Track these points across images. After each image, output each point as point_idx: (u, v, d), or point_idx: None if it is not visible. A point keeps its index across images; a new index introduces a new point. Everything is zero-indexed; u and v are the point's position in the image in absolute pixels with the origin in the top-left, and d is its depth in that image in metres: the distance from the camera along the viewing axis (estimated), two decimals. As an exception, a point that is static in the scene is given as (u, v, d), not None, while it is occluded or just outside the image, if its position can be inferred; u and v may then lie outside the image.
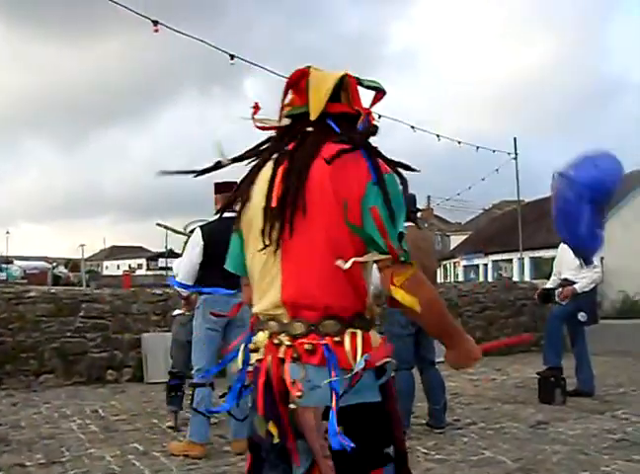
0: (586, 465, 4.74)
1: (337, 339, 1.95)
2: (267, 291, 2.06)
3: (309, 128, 2.05)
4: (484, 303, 12.31)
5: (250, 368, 2.15)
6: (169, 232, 6.38)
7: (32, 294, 8.97)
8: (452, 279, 40.44)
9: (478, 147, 21.48)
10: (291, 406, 1.93)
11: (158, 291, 10.05)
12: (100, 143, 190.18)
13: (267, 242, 2.03)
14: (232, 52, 10.35)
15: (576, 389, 7.46)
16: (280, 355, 1.97)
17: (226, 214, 5.80)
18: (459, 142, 20.16)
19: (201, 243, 5.22)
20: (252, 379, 2.15)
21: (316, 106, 2.04)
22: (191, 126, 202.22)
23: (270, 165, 2.08)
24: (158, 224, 6.26)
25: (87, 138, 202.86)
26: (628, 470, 4.62)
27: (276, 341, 1.99)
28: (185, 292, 5.51)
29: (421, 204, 6.31)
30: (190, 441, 5.11)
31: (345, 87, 2.10)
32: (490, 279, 31.30)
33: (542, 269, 26.46)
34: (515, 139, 25.63)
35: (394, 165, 2.04)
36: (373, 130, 2.07)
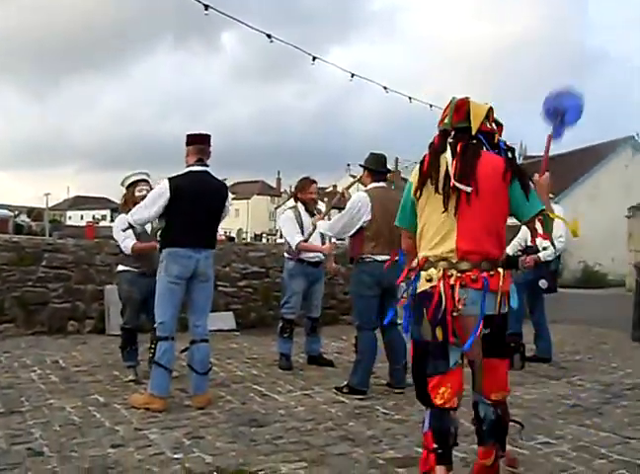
0: (540, 429, 4.84)
1: (491, 273, 3.28)
2: (442, 242, 3.33)
3: (472, 140, 3.40)
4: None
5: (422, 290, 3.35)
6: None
7: (-7, 242, 8.83)
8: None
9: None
10: (454, 314, 3.23)
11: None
12: (70, 91, 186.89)
13: (447, 208, 3.32)
14: (206, 2, 10.12)
15: (534, 355, 7.59)
16: (451, 282, 3.25)
17: (196, 168, 5.75)
18: (431, 106, 20.09)
19: (168, 194, 5.12)
20: (421, 301, 3.35)
21: (475, 126, 3.42)
22: (165, 77, 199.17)
23: (446, 156, 3.38)
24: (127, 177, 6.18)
25: (57, 86, 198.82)
26: (581, 434, 4.73)
27: (448, 273, 3.27)
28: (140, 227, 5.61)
29: (389, 166, 6.29)
30: (151, 394, 5.11)
31: (488, 115, 3.47)
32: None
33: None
34: (453, 98, 25.66)
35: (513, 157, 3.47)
36: (512, 150, 3.49)
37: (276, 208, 77.83)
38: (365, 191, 5.90)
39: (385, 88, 16.21)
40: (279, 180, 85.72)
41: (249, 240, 54.48)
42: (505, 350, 3.54)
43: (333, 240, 6.98)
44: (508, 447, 3.92)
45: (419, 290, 3.39)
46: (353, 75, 15.07)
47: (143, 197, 5.86)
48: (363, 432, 4.71)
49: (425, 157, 3.50)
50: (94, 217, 77.36)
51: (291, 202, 7.23)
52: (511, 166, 3.38)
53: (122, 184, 6.23)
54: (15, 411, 5.00)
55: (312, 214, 6.86)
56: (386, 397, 5.74)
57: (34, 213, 63.66)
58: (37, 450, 4.12)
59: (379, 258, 5.70)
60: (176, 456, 4.08)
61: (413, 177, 3.53)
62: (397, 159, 44.80)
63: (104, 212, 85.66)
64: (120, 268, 6.22)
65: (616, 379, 6.73)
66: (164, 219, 5.24)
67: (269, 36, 12.37)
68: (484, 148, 3.42)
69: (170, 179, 5.21)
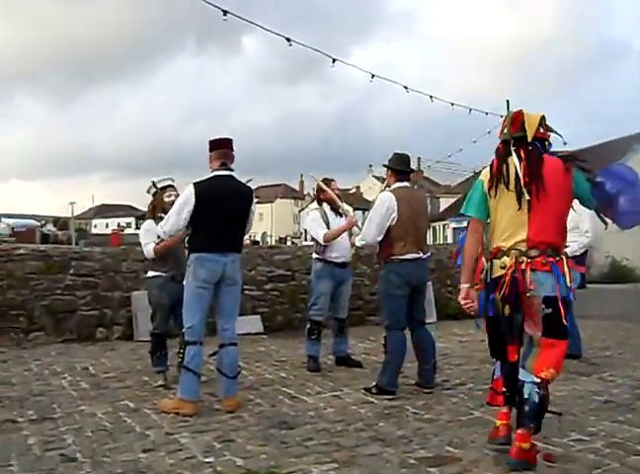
0: (573, 426, 4.79)
1: (557, 258, 3.87)
2: (514, 234, 3.90)
3: (530, 147, 3.97)
4: (474, 266, 12.32)
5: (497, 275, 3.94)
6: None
7: (21, 252, 8.95)
8: (441, 241, 40.54)
9: (471, 109, 21.33)
10: (527, 295, 3.82)
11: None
12: (93, 100, 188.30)
13: (520, 205, 3.87)
14: (225, 8, 10.15)
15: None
16: (523, 267, 3.83)
17: (220, 172, 5.76)
18: (452, 104, 19.99)
19: (193, 200, 5.14)
20: (496, 284, 3.93)
21: (531, 133, 3.97)
22: (187, 84, 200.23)
23: (514, 159, 3.94)
24: (153, 183, 6.21)
25: (80, 95, 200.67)
26: (613, 431, 4.68)
27: (520, 260, 3.85)
28: (172, 240, 5.62)
29: (412, 166, 6.27)
30: (180, 399, 5.13)
31: (541, 123, 4.01)
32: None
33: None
34: (507, 102, 25.43)
35: (575, 159, 4.02)
36: (574, 158, 4.03)
37: (299, 211, 77.88)
38: (390, 190, 5.89)
39: (406, 88, 16.16)
40: (301, 182, 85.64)
41: (273, 243, 54.52)
42: (563, 332, 3.88)
43: (351, 214, 7.00)
44: (541, 445, 3.90)
45: (494, 276, 3.98)
46: (373, 76, 15.04)
47: (172, 202, 5.94)
48: (394, 432, 4.69)
49: (494, 161, 4.07)
50: (119, 225, 77.78)
51: (315, 205, 7.23)
52: (569, 161, 3.96)
53: (149, 191, 6.28)
54: (47, 417, 5.04)
55: (337, 212, 6.88)
56: (415, 397, 5.71)
57: (59, 223, 64.28)
58: (70, 456, 4.15)
59: (408, 257, 5.70)
60: (207, 460, 4.09)
61: (484, 175, 4.10)
62: (419, 159, 44.69)
63: (128, 220, 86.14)
64: (150, 273, 6.25)
65: (648, 374, 6.65)
66: (190, 225, 5.26)
67: (288, 39, 12.39)
68: (541, 152, 3.98)
69: (195, 184, 5.23)
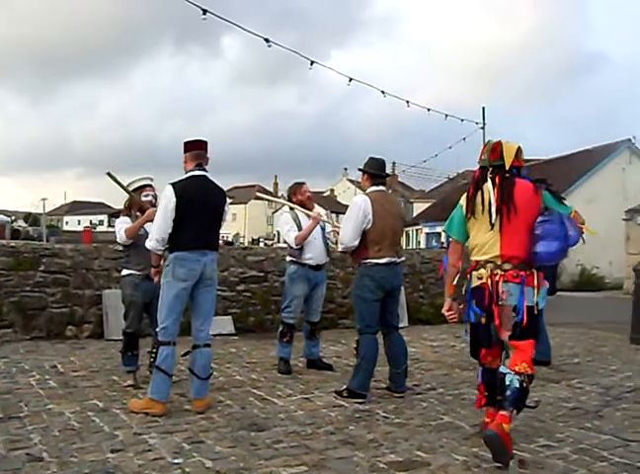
0: (541, 432, 4.84)
1: (528, 272, 4.34)
2: (489, 250, 4.40)
3: (506, 174, 4.45)
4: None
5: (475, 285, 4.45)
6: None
7: (-10, 247, 8.81)
8: (414, 246, 40.72)
9: (447, 115, 21.53)
10: (500, 303, 4.31)
11: (121, 248, 9.93)
12: (69, 96, 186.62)
13: (492, 226, 4.39)
14: (205, 7, 10.13)
15: (534, 358, 7.56)
16: (497, 279, 4.33)
17: (196, 173, 5.75)
18: (428, 109, 20.15)
19: (174, 199, 5.11)
20: (473, 294, 4.45)
21: (508, 162, 4.45)
22: (165, 82, 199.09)
23: (488, 186, 4.46)
24: (109, 174, 6.02)
25: (56, 91, 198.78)
26: (581, 437, 4.73)
27: (495, 272, 4.34)
28: (160, 251, 5.41)
29: (387, 170, 6.29)
30: (150, 399, 5.10)
31: (517, 153, 4.49)
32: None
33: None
34: (483, 109, 25.66)
35: (544, 182, 4.53)
36: (544, 181, 4.56)
37: (273, 213, 77.81)
38: (366, 194, 5.90)
39: (383, 92, 16.25)
40: (276, 184, 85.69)
41: (246, 244, 54.48)
42: (530, 335, 4.39)
43: (321, 212, 7.03)
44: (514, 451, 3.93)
45: (472, 286, 4.49)
46: (351, 79, 15.10)
47: (149, 202, 5.93)
48: (364, 435, 4.70)
49: (470, 187, 4.61)
50: (91, 222, 77.25)
51: (287, 208, 7.24)
52: (539, 183, 4.51)
53: (128, 186, 6.20)
54: (13, 416, 4.97)
55: (309, 216, 6.89)
56: (386, 401, 5.73)
57: (30, 219, 63.64)
58: (36, 456, 4.10)
59: (383, 261, 5.71)
60: (176, 461, 4.07)
61: (463, 200, 4.62)
62: (394, 163, 44.92)
63: (101, 217, 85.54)
64: (124, 272, 6.20)
65: (616, 382, 6.73)
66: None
67: (267, 40, 12.41)
68: (514, 177, 4.48)
69: (173, 184, 5.20)
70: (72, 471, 3.86)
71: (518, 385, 4.23)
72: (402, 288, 6.65)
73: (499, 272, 4.35)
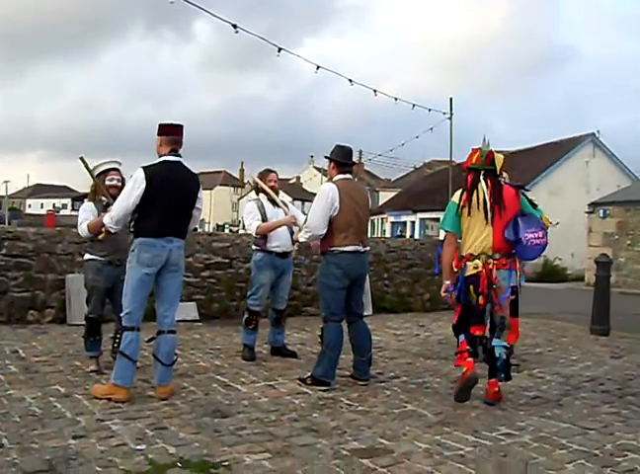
0: (502, 420, 4.91)
1: (511, 260, 5.32)
2: (483, 242, 5.27)
3: (496, 178, 5.43)
4: (411, 260, 12.48)
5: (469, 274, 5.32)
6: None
7: (-49, 229, 8.65)
8: (380, 235, 40.89)
9: (414, 105, 21.56)
10: (494, 286, 5.25)
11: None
12: (35, 78, 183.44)
13: (488, 220, 5.26)
14: (172, -10, 10.02)
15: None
16: (490, 267, 5.23)
17: (169, 158, 5.69)
18: (396, 99, 20.17)
19: (144, 184, 5.05)
20: (470, 280, 5.28)
21: (498, 168, 5.42)
22: (135, 66, 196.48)
23: (482, 186, 5.34)
24: (81, 158, 5.90)
25: (22, 72, 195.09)
26: (541, 425, 4.80)
27: (488, 261, 5.24)
28: (115, 229, 5.32)
29: (354, 158, 6.27)
30: (113, 384, 5.05)
31: (503, 163, 5.45)
32: (417, 237, 31.72)
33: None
34: (450, 99, 25.73)
35: (522, 188, 5.63)
36: (522, 187, 5.68)
37: (239, 199, 77.53)
38: (332, 182, 5.90)
39: (350, 81, 16.22)
40: (242, 171, 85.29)
41: (211, 231, 54.16)
42: (517, 313, 5.47)
43: (293, 211, 6.98)
44: (472, 439, 3.98)
45: (467, 274, 5.34)
46: (318, 67, 15.05)
47: (113, 186, 5.82)
48: (327, 423, 4.72)
49: (465, 186, 5.46)
50: (54, 206, 76.19)
51: (254, 195, 7.19)
52: (519, 189, 5.54)
53: (94, 170, 6.07)
54: (-27, 401, 4.91)
55: (274, 203, 6.85)
56: (350, 389, 5.76)
57: (-8, 201, 62.51)
58: (-4, 441, 4.05)
59: (348, 249, 5.72)
60: (139, 447, 4.04)
61: (456, 198, 5.48)
62: (361, 151, 44.97)
63: (64, 201, 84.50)
64: (87, 256, 6.12)
65: (576, 372, 6.85)
66: (137, 209, 5.14)
67: (234, 26, 12.30)
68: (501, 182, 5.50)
69: (144, 168, 5.13)
70: (33, 457, 3.82)
71: (505, 357, 5.33)
72: (367, 277, 6.67)
73: (491, 261, 5.28)
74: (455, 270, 5.45)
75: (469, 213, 5.35)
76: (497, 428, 4.71)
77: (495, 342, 5.34)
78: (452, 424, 4.78)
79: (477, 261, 5.29)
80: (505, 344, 5.35)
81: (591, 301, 10.06)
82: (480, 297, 5.27)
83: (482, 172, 5.42)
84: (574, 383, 6.28)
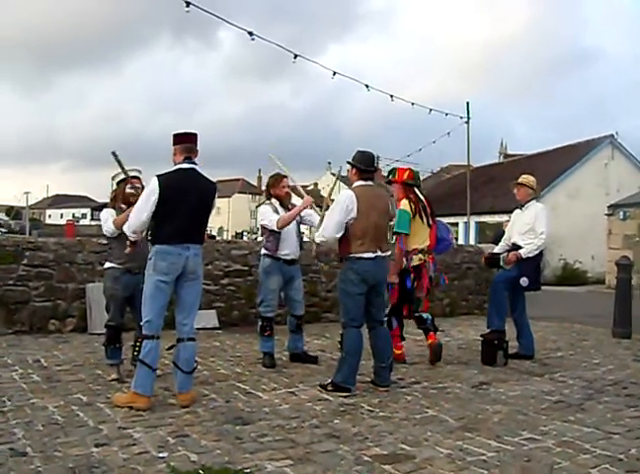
0: (524, 425, 4.87)
1: (432, 255, 7.20)
2: (424, 241, 7.05)
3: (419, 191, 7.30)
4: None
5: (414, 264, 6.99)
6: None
7: (-28, 240, 8.73)
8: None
9: (431, 110, 21.48)
10: (430, 274, 7.17)
11: (104, 241, 9.87)
12: (61, 88, 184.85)
13: (427, 224, 7.09)
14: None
15: (517, 352, 7.63)
16: (427, 260, 7.08)
17: (184, 165, 5.71)
18: (412, 104, 20.12)
19: (157, 192, 5.07)
20: (414, 270, 6.99)
21: (419, 184, 7.36)
22: (158, 76, 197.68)
23: (421, 197, 7.18)
24: (113, 153, 5.90)
25: (48, 82, 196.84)
26: (564, 430, 4.76)
27: (426, 256, 7.06)
28: (134, 237, 5.36)
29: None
30: (134, 393, 5.07)
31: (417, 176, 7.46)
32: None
33: (486, 233, 26.82)
34: (467, 103, 25.57)
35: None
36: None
37: (257, 207, 77.58)
38: (351, 188, 5.90)
39: (367, 86, 16.22)
40: (259, 178, 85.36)
41: (230, 238, 54.28)
42: (430, 292, 7.41)
43: (310, 214, 7.02)
44: (494, 444, 3.95)
45: (413, 264, 6.93)
46: (334, 73, 15.06)
47: (132, 193, 5.85)
48: (348, 429, 4.71)
49: (411, 197, 7.05)
50: (74, 216, 76.71)
51: (266, 200, 7.19)
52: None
53: (113, 178, 6.17)
54: (-3, 410, 4.95)
55: (287, 208, 6.87)
56: (371, 394, 5.74)
57: (13, 212, 63.12)
58: (19, 451, 4.07)
59: (366, 255, 5.71)
60: (161, 455, 4.06)
61: (407, 207, 6.95)
62: (378, 157, 44.84)
63: (84, 211, 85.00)
64: (106, 264, 6.16)
65: (598, 375, 6.79)
66: (153, 217, 5.17)
67: (250, 33, 12.33)
68: None
69: (159, 176, 5.15)
70: (56, 466, 3.85)
71: (430, 318, 7.13)
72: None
73: (427, 256, 7.03)
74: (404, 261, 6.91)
75: (415, 218, 6.97)
76: (519, 432, 4.68)
77: (419, 313, 7.13)
78: (474, 429, 4.75)
79: (420, 255, 6.97)
80: (424, 314, 7.11)
81: (611, 304, 9.97)
82: (415, 282, 6.95)
83: (415, 187, 7.14)
84: (597, 387, 6.23)
